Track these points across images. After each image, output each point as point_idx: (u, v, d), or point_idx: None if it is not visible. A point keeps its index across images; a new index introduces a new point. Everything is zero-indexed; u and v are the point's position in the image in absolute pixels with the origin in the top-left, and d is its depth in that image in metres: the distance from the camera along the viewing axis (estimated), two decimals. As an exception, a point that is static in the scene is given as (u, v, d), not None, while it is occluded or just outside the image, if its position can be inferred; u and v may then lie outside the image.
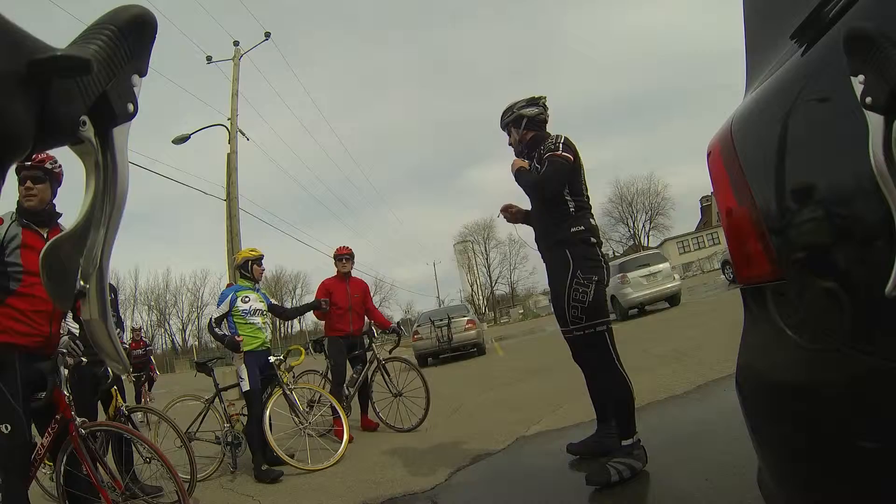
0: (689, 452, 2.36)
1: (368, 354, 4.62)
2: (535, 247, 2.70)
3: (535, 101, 2.73)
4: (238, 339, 3.82)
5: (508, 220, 2.82)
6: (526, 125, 2.70)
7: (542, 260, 2.67)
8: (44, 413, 2.33)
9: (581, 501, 2.15)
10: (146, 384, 7.21)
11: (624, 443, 2.29)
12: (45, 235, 2.38)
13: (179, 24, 12.73)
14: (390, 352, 4.80)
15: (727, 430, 2.31)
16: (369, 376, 4.63)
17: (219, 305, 3.93)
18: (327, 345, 4.73)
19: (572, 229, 2.49)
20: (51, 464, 3.47)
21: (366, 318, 4.90)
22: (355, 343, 4.70)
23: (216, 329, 3.85)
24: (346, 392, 4.52)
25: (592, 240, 2.52)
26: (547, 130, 2.72)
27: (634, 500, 2.04)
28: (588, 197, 2.62)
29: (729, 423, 1.74)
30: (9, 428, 2.13)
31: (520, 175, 2.61)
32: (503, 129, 2.81)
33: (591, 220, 2.58)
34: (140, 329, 9.54)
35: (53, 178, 2.44)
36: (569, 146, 2.55)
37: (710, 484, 1.94)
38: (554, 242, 2.53)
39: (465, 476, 2.84)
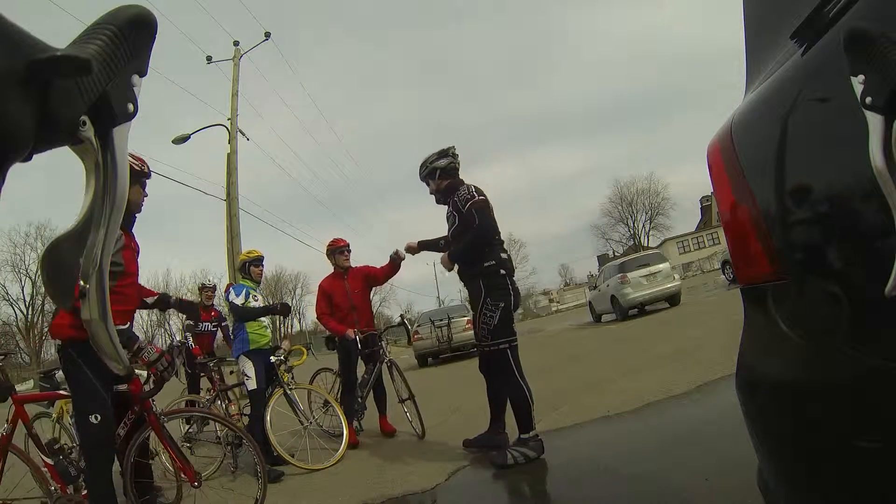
0: (689, 452, 2.36)
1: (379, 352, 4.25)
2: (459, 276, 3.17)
3: (445, 153, 3.18)
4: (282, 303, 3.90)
5: (413, 254, 3.57)
6: (440, 175, 3.15)
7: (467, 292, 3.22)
8: (118, 405, 2.45)
9: (581, 501, 2.16)
10: (216, 372, 4.75)
11: (522, 436, 2.81)
12: (131, 237, 2.58)
13: (179, 24, 12.72)
14: (411, 342, 4.50)
15: (727, 430, 2.31)
16: (382, 377, 4.31)
17: (237, 295, 3.93)
18: (337, 347, 4.37)
19: (485, 264, 2.95)
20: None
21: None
22: (366, 342, 4.21)
23: (250, 308, 3.86)
24: (359, 394, 4.24)
25: (502, 271, 2.97)
26: (460, 177, 3.19)
27: (634, 500, 2.04)
28: (499, 232, 3.08)
29: (729, 423, 1.74)
30: (98, 418, 2.28)
31: (457, 253, 3.03)
32: (423, 182, 3.25)
33: (502, 253, 3.02)
34: (213, 287, 6.09)
35: None
36: (479, 191, 3.04)
37: (710, 484, 1.94)
38: (470, 275, 3.01)
39: (465, 476, 2.84)
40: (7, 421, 2.63)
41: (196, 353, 5.12)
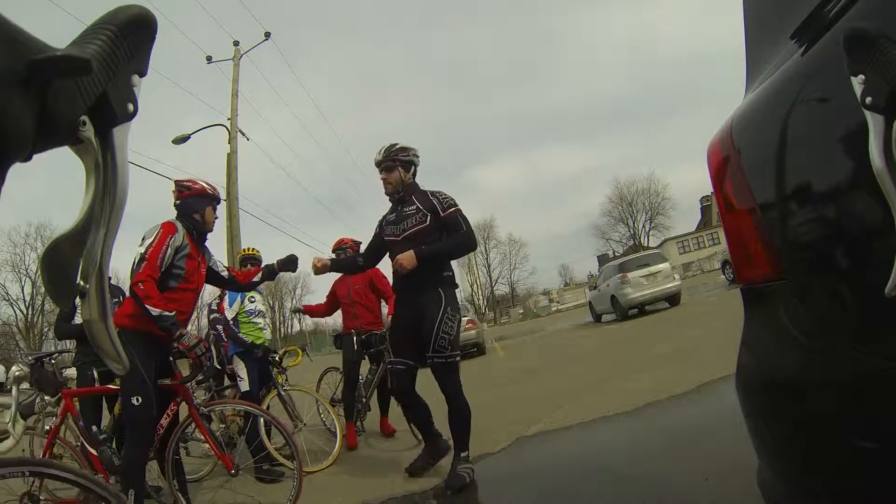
0: (689, 452, 2.36)
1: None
2: (401, 286, 2.86)
3: (418, 155, 2.97)
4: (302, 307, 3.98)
5: (318, 273, 3.06)
6: (413, 171, 2.94)
7: (405, 299, 2.85)
8: (160, 398, 2.55)
9: (581, 500, 2.15)
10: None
11: (462, 454, 2.72)
12: (198, 250, 2.79)
13: (179, 24, 12.74)
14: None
15: (727, 430, 2.31)
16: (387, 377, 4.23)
17: (230, 306, 3.91)
18: (342, 345, 4.38)
19: (444, 273, 2.81)
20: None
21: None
22: (371, 340, 4.21)
23: (240, 337, 3.82)
24: (363, 394, 4.21)
25: (456, 283, 2.91)
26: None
27: (634, 500, 2.04)
28: None
29: (729, 423, 1.75)
30: (140, 400, 2.39)
31: (433, 253, 2.72)
32: (385, 163, 2.87)
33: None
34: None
35: None
36: None
37: (710, 484, 1.94)
38: (431, 280, 2.76)
39: (465, 476, 2.84)
40: (56, 415, 2.76)
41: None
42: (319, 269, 3.01)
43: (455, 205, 2.80)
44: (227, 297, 4.01)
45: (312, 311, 4.74)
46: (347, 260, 3.11)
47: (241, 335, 3.84)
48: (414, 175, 2.93)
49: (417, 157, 2.94)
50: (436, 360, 2.71)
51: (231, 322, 3.88)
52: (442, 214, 2.77)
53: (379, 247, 3.02)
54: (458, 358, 2.77)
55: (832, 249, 0.74)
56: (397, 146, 2.89)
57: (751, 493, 0.99)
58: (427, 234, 2.76)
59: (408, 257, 2.65)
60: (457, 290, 2.92)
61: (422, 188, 2.91)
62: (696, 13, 71.75)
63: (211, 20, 13.91)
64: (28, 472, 1.53)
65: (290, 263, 3.16)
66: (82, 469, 2.17)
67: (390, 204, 2.99)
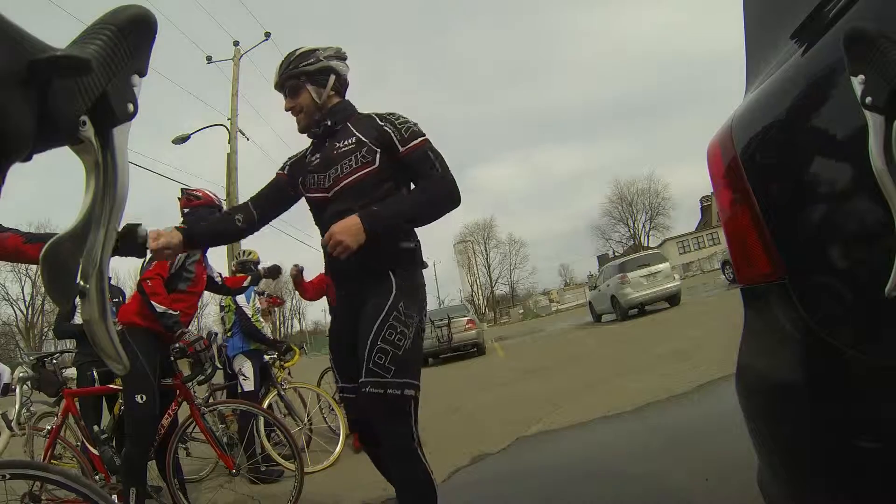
0: (689, 452, 2.36)
1: None
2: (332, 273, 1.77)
3: (344, 56, 1.79)
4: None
5: (158, 257, 1.84)
6: (336, 83, 1.75)
7: (341, 292, 1.77)
8: (161, 397, 2.62)
9: (581, 501, 2.16)
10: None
11: None
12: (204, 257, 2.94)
13: (179, 24, 12.75)
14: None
15: (727, 430, 2.31)
16: None
17: (248, 303, 3.93)
18: None
19: (402, 245, 1.67)
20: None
21: None
22: None
23: (260, 331, 3.87)
24: None
25: (425, 262, 1.79)
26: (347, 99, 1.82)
27: (635, 500, 2.04)
28: None
29: (729, 423, 1.75)
30: (144, 398, 2.45)
31: (393, 216, 1.57)
32: (288, 84, 1.74)
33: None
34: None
35: None
36: None
37: (710, 484, 1.94)
38: (372, 262, 1.60)
39: (464, 476, 2.84)
40: (57, 415, 2.80)
41: None
42: (161, 250, 1.56)
43: (422, 133, 1.65)
44: (242, 296, 4.02)
45: (302, 286, 4.20)
46: (215, 222, 1.88)
47: (262, 332, 3.89)
48: (342, 91, 1.79)
49: (342, 59, 1.78)
50: (369, 390, 1.52)
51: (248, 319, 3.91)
52: (401, 150, 1.62)
53: (280, 197, 1.83)
54: (409, 391, 1.57)
55: (832, 249, 0.74)
56: (299, 51, 1.74)
57: (751, 493, 1.00)
58: (377, 182, 1.63)
59: (348, 230, 1.48)
60: (422, 269, 1.80)
61: (363, 112, 1.77)
62: (696, 13, 71.72)
63: (211, 20, 13.92)
64: (9, 476, 1.42)
65: (273, 271, 3.47)
66: (77, 474, 2.13)
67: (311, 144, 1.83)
